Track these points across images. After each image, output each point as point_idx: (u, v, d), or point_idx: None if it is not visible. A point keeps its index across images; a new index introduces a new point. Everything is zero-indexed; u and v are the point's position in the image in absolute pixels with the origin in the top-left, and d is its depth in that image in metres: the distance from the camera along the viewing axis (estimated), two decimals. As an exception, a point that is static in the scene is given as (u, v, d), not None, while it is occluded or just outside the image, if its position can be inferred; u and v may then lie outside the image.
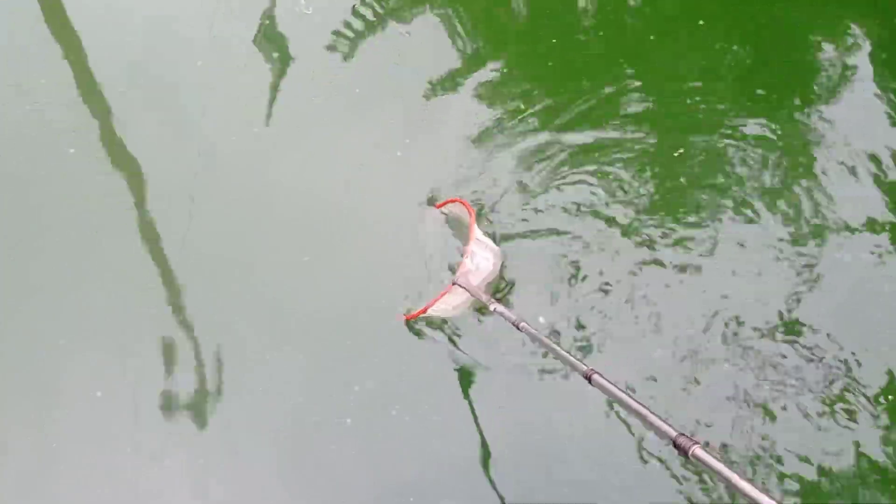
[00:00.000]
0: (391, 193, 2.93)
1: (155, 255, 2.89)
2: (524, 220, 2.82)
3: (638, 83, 3.06)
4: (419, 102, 3.13)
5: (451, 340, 2.62)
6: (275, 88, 3.25)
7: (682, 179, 2.85)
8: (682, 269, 2.66)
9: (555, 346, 2.13)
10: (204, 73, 3.29)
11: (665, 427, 1.63)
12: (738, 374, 2.45)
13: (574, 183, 2.87)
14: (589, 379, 1.90)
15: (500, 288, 2.68)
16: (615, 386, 1.83)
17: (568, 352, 2.08)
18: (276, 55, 3.34)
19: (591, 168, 2.89)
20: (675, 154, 2.89)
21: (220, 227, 2.95)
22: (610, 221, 2.76)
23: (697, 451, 1.53)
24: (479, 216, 2.75)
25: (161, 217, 2.96)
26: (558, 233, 2.77)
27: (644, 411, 1.71)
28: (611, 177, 2.86)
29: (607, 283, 2.64)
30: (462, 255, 2.57)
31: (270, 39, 3.38)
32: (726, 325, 2.53)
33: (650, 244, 2.70)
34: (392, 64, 3.25)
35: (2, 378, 2.71)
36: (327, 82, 3.24)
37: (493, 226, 2.83)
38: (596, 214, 2.79)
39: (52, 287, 2.83)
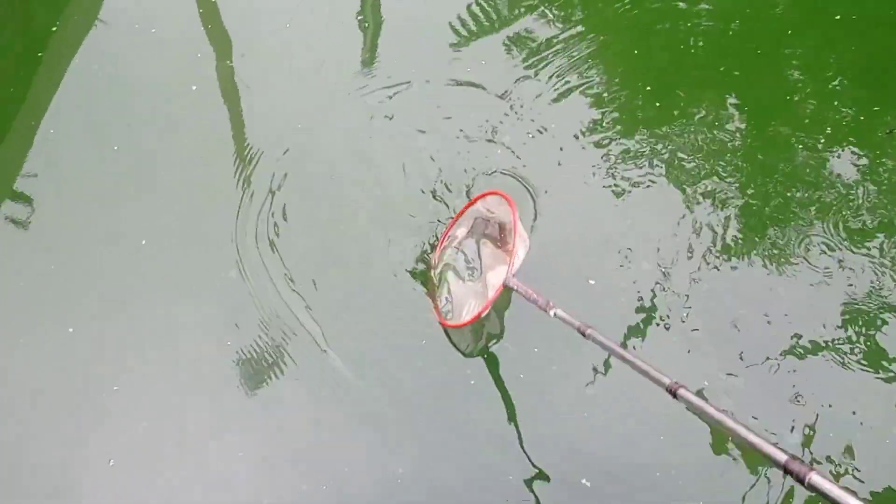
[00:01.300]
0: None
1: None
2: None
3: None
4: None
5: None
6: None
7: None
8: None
9: (630, 355, 1.90)
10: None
11: (774, 452, 1.46)
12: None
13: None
14: (674, 393, 1.74)
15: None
16: (706, 401, 1.66)
17: (646, 362, 1.88)
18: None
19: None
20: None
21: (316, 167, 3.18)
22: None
23: (815, 478, 1.37)
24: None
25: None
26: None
27: (742, 431, 1.55)
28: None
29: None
30: (506, 254, 2.35)
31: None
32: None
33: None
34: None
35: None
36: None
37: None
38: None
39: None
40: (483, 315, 2.34)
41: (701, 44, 3.44)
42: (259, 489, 2.52)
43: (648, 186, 3.04)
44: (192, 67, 3.50)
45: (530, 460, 2.47)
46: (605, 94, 3.31)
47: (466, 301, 2.49)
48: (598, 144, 3.16)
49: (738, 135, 3.17)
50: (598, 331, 2.02)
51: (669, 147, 3.14)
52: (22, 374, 2.74)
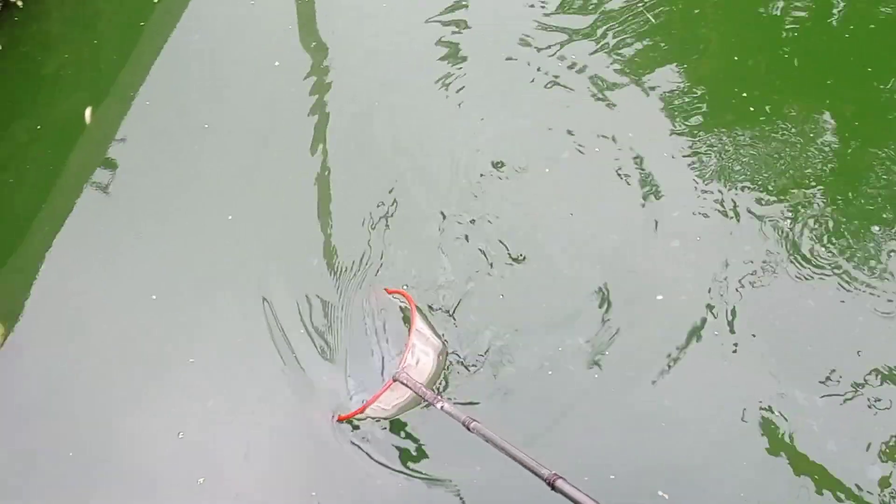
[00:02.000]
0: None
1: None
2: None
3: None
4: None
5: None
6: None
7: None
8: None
9: (511, 447, 1.89)
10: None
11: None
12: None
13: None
14: (552, 485, 1.71)
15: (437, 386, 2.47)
16: (582, 492, 1.65)
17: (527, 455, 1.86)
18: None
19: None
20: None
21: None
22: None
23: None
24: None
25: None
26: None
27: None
28: None
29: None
30: (403, 349, 2.31)
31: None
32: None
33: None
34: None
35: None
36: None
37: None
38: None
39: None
40: (374, 413, 2.35)
41: (798, 52, 3.37)
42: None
43: (731, 190, 2.98)
44: (279, 42, 3.55)
45: (606, 471, 2.45)
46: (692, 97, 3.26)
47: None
48: (689, 149, 3.11)
49: (827, 148, 3.10)
50: (483, 425, 2.03)
51: (752, 153, 3.09)
52: (106, 335, 2.81)
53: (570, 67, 3.39)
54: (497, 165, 3.12)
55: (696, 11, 3.58)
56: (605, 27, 3.52)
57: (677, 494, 2.34)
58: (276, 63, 3.48)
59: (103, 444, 2.59)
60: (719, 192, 2.97)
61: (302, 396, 2.61)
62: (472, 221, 2.96)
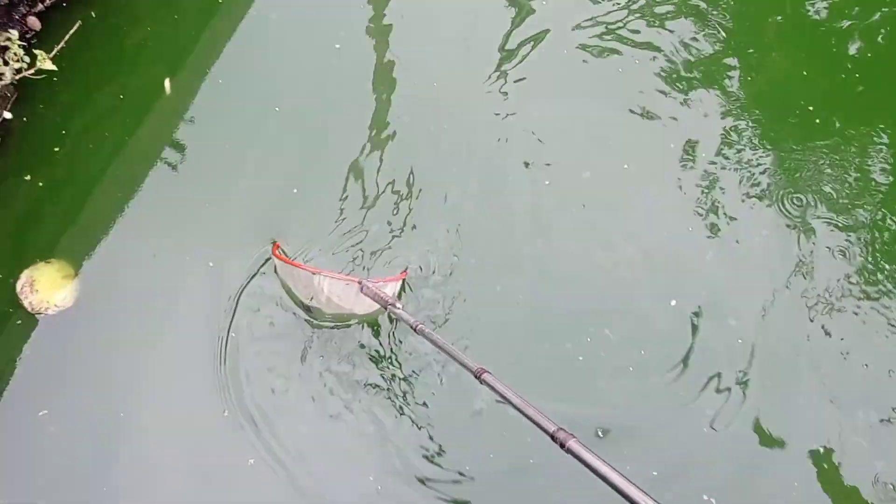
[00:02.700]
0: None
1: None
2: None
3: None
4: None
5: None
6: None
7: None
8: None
9: (448, 345, 2.16)
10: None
11: (545, 422, 1.72)
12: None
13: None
14: (479, 377, 1.95)
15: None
16: (502, 383, 1.88)
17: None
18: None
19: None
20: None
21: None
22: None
23: (572, 444, 1.62)
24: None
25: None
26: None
27: (528, 409, 1.78)
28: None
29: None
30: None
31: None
32: None
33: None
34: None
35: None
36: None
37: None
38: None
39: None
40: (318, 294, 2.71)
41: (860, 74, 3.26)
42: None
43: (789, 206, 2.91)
44: (351, 24, 3.64)
45: (652, 474, 2.49)
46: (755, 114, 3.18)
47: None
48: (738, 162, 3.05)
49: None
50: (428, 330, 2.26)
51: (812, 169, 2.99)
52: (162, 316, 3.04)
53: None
54: (546, 165, 3.16)
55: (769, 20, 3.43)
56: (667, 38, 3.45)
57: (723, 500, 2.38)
58: (337, 46, 3.58)
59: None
60: (786, 210, 2.92)
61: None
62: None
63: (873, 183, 3.03)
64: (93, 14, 3.69)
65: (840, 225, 2.94)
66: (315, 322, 2.91)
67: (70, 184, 3.31)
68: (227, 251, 3.08)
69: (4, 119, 3.39)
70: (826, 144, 3.09)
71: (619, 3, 3.61)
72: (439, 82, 3.44)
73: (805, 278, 2.85)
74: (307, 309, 2.87)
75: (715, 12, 3.52)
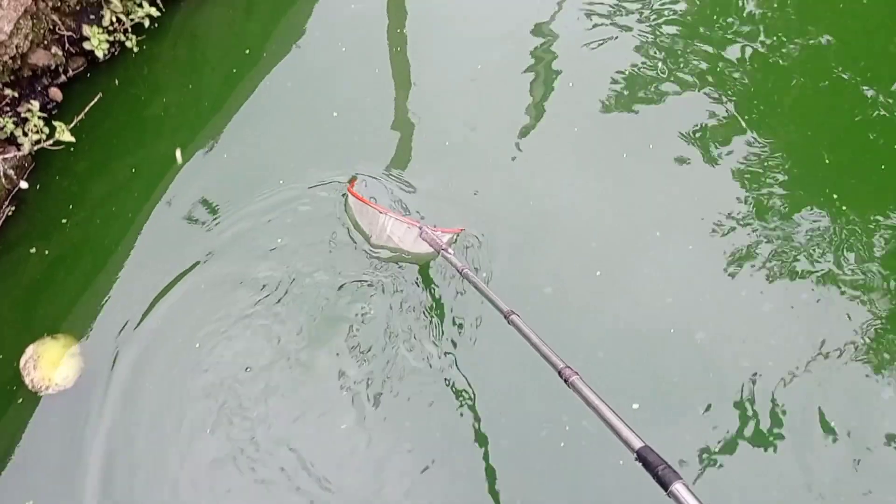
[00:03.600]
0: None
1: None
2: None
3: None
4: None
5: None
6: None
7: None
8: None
9: (487, 289, 2.42)
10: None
11: (555, 359, 1.94)
12: None
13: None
14: (507, 318, 2.21)
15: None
16: (527, 325, 2.12)
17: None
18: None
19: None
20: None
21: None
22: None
23: (575, 380, 1.83)
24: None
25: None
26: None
27: (543, 347, 2.01)
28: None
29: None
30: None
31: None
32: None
33: None
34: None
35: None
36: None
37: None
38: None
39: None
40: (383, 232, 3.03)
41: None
42: None
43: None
44: (371, 89, 3.67)
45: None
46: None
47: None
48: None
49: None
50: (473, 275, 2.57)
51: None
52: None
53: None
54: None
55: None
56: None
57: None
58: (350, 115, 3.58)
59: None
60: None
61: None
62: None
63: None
64: (116, 82, 3.73)
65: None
66: (372, 253, 3.15)
67: (82, 255, 3.29)
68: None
69: (20, 188, 3.41)
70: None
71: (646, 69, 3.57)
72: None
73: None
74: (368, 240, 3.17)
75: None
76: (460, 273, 2.59)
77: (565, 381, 1.85)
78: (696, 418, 2.73)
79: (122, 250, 3.27)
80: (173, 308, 3.07)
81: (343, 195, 3.28)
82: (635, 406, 2.74)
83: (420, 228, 2.97)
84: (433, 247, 2.89)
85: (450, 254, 2.77)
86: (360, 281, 3.08)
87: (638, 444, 1.57)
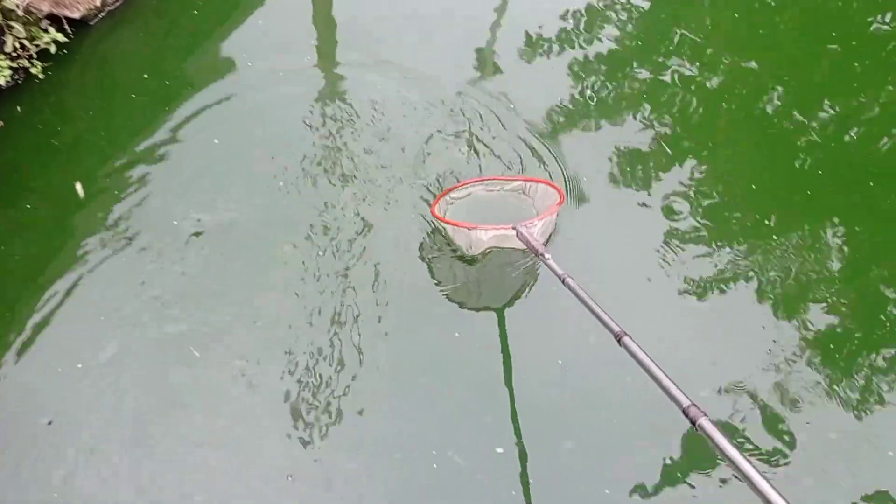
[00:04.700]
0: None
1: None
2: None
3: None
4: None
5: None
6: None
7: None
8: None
9: (592, 303, 2.16)
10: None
11: (680, 395, 1.72)
12: None
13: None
14: (619, 339, 1.94)
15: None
16: (642, 350, 1.87)
17: (603, 311, 2.12)
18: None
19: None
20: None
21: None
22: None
23: (704, 422, 1.63)
24: None
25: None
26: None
27: (665, 380, 1.77)
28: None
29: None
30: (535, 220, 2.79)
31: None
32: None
33: None
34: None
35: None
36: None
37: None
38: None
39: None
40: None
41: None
42: None
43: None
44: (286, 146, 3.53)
45: None
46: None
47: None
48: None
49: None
50: (575, 281, 2.32)
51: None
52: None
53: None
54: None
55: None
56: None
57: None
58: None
59: None
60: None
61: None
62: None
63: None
64: (18, 109, 3.52)
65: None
66: (470, 257, 3.05)
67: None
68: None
69: None
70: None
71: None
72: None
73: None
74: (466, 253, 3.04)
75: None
76: (562, 281, 2.34)
77: (692, 422, 1.65)
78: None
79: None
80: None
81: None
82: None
83: (514, 229, 2.73)
84: (530, 251, 2.65)
85: (548, 258, 2.49)
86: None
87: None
